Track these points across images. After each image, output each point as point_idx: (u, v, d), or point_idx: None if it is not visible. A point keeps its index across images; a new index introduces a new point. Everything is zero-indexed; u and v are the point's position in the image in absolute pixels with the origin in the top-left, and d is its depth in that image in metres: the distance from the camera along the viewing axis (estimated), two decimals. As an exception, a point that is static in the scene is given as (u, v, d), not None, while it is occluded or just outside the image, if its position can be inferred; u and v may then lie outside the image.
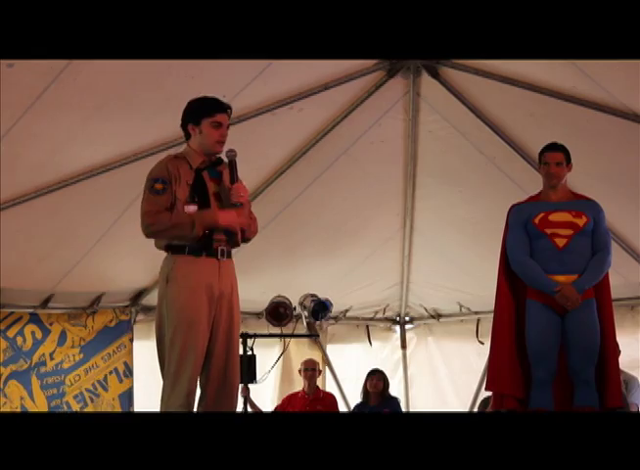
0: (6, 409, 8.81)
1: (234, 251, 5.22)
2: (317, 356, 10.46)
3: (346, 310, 10.84)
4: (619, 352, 6.30)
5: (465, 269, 9.93)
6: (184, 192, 4.96)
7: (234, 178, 5.08)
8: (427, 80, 7.99)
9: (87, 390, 9.35)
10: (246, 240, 5.26)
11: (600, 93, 7.28)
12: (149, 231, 4.99)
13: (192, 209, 4.95)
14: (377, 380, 9.62)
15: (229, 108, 5.11)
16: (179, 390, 4.86)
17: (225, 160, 5.15)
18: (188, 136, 5.12)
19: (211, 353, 4.98)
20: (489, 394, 6.88)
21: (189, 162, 5.04)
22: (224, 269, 5.04)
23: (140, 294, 9.54)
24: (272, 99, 7.62)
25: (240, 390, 5.85)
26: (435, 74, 7.90)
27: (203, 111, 5.05)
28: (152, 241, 5.10)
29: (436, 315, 11.09)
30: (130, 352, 9.55)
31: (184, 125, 5.11)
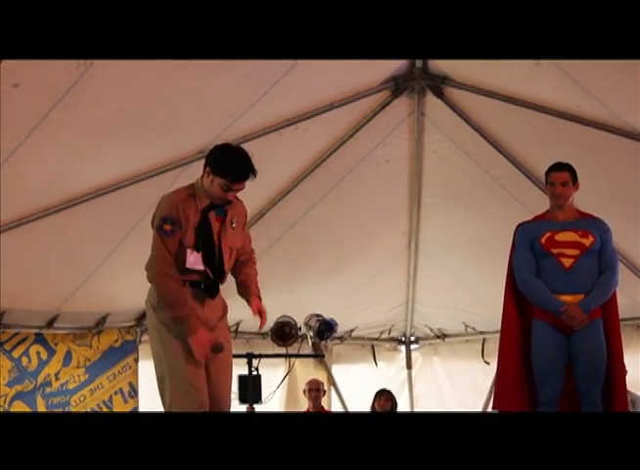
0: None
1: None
2: (322, 376, 10.45)
3: (352, 330, 10.83)
4: (626, 372, 6.28)
5: (470, 289, 9.92)
6: (190, 235, 4.93)
7: None
8: (431, 100, 8.01)
9: (92, 410, 9.33)
10: None
11: (605, 113, 7.30)
12: (150, 279, 5.03)
13: (196, 259, 4.95)
14: (385, 400, 9.60)
15: (252, 175, 4.92)
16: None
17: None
18: (204, 171, 5.01)
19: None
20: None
21: (196, 202, 4.97)
22: (210, 301, 5.04)
23: (145, 314, 9.52)
24: (278, 119, 7.64)
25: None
26: (440, 94, 7.93)
27: (224, 170, 4.88)
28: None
29: (442, 335, 11.09)
30: (135, 373, 9.53)
31: (205, 161, 5.02)
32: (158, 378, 5.04)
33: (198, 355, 4.87)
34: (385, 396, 9.64)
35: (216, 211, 5.02)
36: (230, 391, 5.13)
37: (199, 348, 4.87)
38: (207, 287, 4.99)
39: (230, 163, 4.92)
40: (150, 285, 5.13)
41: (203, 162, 5.12)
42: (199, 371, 4.91)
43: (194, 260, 4.93)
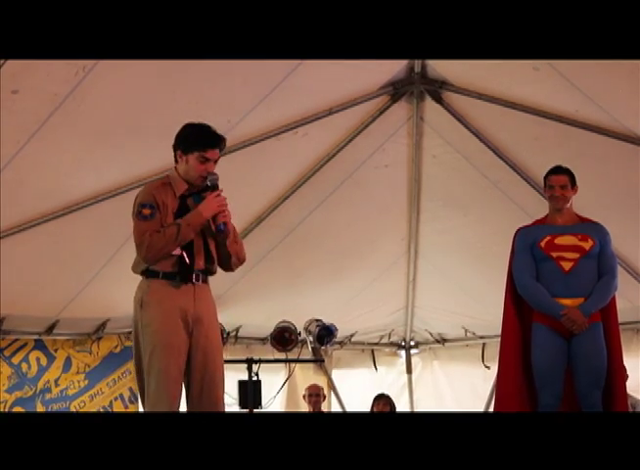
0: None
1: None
2: (322, 381, 10.45)
3: (352, 335, 10.82)
4: (627, 376, 6.28)
5: (470, 293, 9.92)
6: (170, 221, 4.94)
7: None
8: (430, 105, 8.01)
9: (92, 416, 9.32)
10: (230, 266, 5.20)
11: (603, 117, 7.30)
12: (148, 259, 4.99)
13: None
14: (383, 405, 9.59)
15: (223, 142, 5.03)
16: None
17: (209, 184, 5.07)
18: (176, 160, 5.08)
19: (190, 381, 4.95)
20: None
21: (174, 189, 5.01)
22: (199, 294, 4.98)
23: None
24: (276, 124, 7.64)
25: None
26: (439, 99, 7.93)
27: (194, 143, 4.98)
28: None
29: (442, 340, 11.08)
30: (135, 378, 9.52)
31: (174, 148, 5.07)
32: (135, 371, 5.08)
33: (211, 210, 4.94)
34: (383, 400, 9.62)
35: (194, 199, 5.03)
36: (223, 390, 5.12)
37: (206, 206, 4.94)
38: (182, 273, 4.95)
39: (196, 134, 5.01)
40: (139, 281, 5.13)
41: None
42: (174, 369, 4.88)
43: None
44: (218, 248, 5.09)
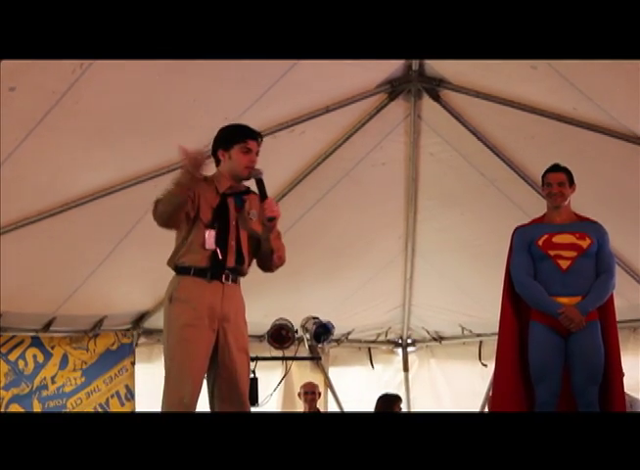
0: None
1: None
2: (319, 379, 10.45)
3: (348, 333, 10.82)
4: (624, 374, 6.29)
5: (467, 292, 9.92)
6: (207, 215, 5.01)
7: (263, 195, 5.09)
8: (428, 103, 8.00)
9: (89, 413, 9.32)
10: (271, 265, 5.32)
11: (601, 115, 7.30)
12: (158, 219, 4.96)
13: (211, 234, 5.00)
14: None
15: (260, 136, 5.17)
16: (175, 409, 4.85)
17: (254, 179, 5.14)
18: (218, 162, 5.16)
19: (215, 379, 4.98)
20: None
21: (216, 185, 5.09)
22: (228, 293, 5.03)
23: (142, 317, 9.53)
24: (273, 122, 7.63)
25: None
26: (437, 97, 7.93)
27: (234, 137, 5.11)
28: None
29: (439, 338, 11.08)
30: (132, 376, 9.53)
31: (214, 152, 5.16)
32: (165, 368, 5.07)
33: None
34: (400, 402, 9.47)
35: (235, 199, 5.12)
36: (247, 389, 5.12)
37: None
38: (214, 268, 4.99)
39: (234, 130, 5.18)
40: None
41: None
42: (195, 366, 4.90)
43: (209, 240, 4.99)
44: (256, 247, 5.19)
